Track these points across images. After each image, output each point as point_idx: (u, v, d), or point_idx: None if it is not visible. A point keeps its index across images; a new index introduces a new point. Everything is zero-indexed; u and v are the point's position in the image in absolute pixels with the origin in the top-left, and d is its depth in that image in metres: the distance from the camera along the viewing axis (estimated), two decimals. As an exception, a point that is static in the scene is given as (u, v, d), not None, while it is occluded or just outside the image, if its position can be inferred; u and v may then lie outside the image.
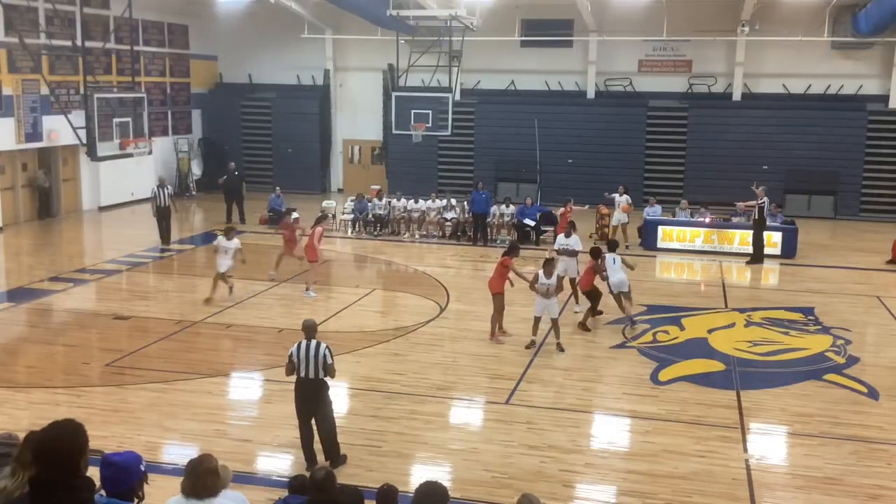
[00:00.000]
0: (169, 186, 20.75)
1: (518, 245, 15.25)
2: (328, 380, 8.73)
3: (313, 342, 8.66)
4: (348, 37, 28.45)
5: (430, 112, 23.48)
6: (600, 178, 24.54)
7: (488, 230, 21.24)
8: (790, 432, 10.05)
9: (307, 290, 15.76)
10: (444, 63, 24.32)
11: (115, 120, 19.87)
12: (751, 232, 19.39)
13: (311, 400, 8.69)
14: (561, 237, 15.51)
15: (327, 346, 8.67)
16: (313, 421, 8.79)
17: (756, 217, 19.09)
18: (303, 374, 8.62)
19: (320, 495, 5.26)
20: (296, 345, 8.70)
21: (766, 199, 19.09)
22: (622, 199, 20.84)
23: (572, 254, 14.98)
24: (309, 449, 8.80)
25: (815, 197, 25.70)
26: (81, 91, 20.89)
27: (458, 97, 25.97)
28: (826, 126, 25.40)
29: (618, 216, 20.78)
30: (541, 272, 12.69)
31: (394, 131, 24.29)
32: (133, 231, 21.43)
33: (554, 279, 12.70)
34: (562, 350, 12.62)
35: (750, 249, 19.37)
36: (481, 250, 20.42)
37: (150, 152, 22.00)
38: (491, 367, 11.97)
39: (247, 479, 8.30)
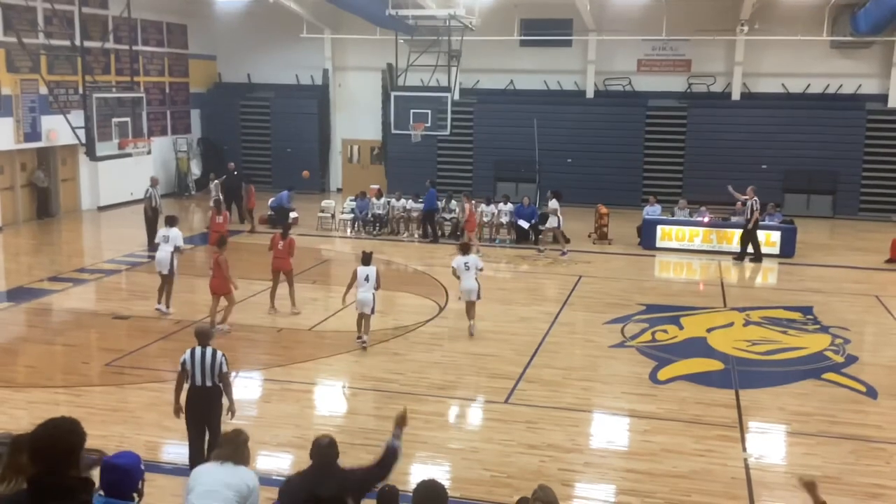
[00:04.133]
0: (159, 187, 20.68)
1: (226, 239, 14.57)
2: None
3: (208, 349, 8.27)
4: (347, 36, 28.44)
5: (429, 112, 23.46)
6: (599, 177, 24.53)
7: (436, 226, 21.61)
8: (789, 431, 10.06)
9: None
10: (443, 63, 24.30)
11: (114, 120, 19.89)
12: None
13: (205, 409, 8.25)
14: (459, 258, 13.53)
15: (223, 354, 8.31)
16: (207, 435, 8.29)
17: (748, 216, 19.18)
18: (198, 382, 8.20)
19: (322, 460, 5.34)
20: (188, 352, 8.30)
21: (755, 198, 19.13)
22: (553, 204, 20.02)
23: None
24: (196, 464, 8.46)
25: (813, 196, 25.70)
26: (80, 91, 20.91)
27: (457, 97, 25.94)
28: (825, 125, 25.39)
29: (551, 220, 20.05)
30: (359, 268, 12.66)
31: (393, 131, 24.30)
32: (132, 231, 21.38)
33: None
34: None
35: (749, 249, 19.42)
36: (433, 247, 20.75)
37: (148, 152, 22.00)
38: (490, 367, 11.97)
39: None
